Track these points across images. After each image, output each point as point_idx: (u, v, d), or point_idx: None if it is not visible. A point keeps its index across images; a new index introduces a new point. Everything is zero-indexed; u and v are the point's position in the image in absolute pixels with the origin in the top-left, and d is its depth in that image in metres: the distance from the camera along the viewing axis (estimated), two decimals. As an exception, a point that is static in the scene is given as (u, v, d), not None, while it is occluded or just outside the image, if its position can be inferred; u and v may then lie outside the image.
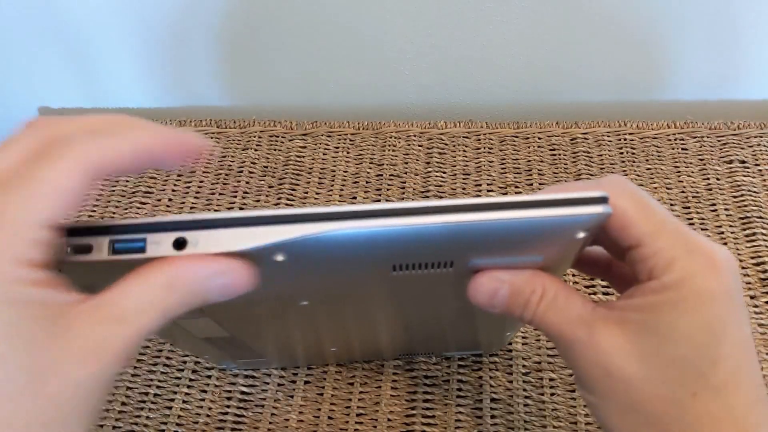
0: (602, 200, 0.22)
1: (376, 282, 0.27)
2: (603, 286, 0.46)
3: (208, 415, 0.42)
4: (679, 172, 0.53)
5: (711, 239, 0.27)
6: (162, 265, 0.21)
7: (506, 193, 0.52)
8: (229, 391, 0.43)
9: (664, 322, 0.23)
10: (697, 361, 0.22)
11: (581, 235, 0.23)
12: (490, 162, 0.54)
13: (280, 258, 0.22)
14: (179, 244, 0.21)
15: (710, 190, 0.51)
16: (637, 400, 0.23)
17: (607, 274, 0.29)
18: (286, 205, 0.53)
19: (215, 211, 0.53)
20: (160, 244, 0.21)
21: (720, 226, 0.49)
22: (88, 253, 0.22)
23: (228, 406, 0.42)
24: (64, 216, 0.20)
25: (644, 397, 0.23)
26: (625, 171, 0.53)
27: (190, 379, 0.43)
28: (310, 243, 0.22)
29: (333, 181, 0.54)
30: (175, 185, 0.54)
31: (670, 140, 0.55)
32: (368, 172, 0.54)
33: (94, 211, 0.53)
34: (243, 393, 0.43)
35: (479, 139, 0.56)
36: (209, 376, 0.44)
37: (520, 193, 0.52)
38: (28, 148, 0.20)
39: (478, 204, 0.22)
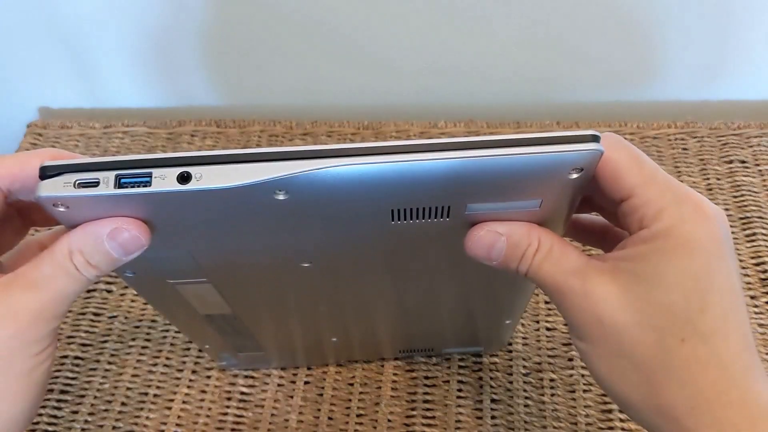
0: (594, 138, 0.22)
1: (376, 235, 0.27)
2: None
3: (208, 416, 0.42)
4: (679, 172, 0.53)
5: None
6: (65, 236, 0.24)
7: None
8: (229, 392, 0.43)
9: (653, 269, 0.23)
10: (685, 308, 0.23)
11: (574, 175, 0.23)
12: (490, 162, 0.54)
13: (281, 197, 0.23)
14: (183, 178, 0.22)
15: (710, 190, 0.51)
16: (626, 346, 0.24)
17: (603, 241, 0.29)
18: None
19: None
20: (165, 178, 0.22)
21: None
22: (95, 187, 0.22)
23: (228, 407, 0.42)
24: None
25: (633, 342, 0.24)
26: (625, 171, 0.53)
27: (190, 380, 0.43)
28: (310, 179, 0.22)
29: (333, 181, 0.54)
30: (175, 185, 0.54)
31: (670, 140, 0.55)
32: (368, 172, 0.54)
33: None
34: (243, 393, 0.43)
35: (479, 139, 0.56)
36: (209, 377, 0.44)
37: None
38: None
39: (474, 141, 0.22)
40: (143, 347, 0.45)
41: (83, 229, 0.23)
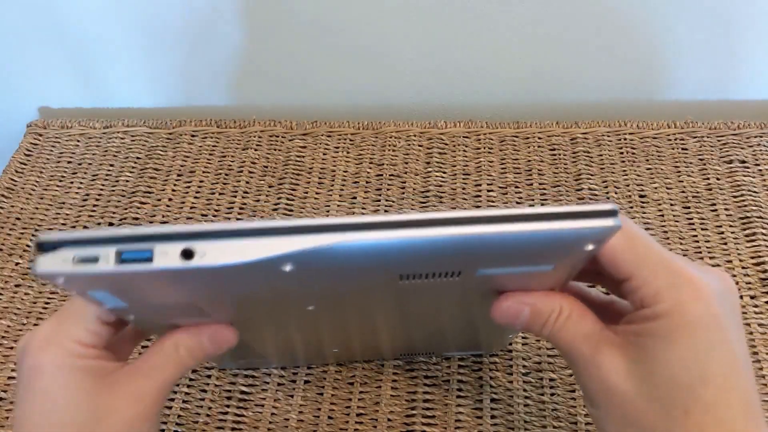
0: (612, 213, 0.22)
1: (383, 289, 0.27)
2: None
3: (208, 415, 0.42)
4: (679, 172, 0.53)
5: (715, 256, 0.29)
6: (171, 335, 0.29)
7: (506, 193, 0.52)
8: (229, 391, 0.43)
9: (657, 346, 0.25)
10: (688, 381, 0.24)
11: (590, 247, 0.23)
12: (490, 162, 0.54)
13: (287, 268, 0.23)
14: (187, 254, 0.22)
15: (710, 190, 0.51)
16: (633, 416, 0.25)
17: (605, 313, 0.30)
18: (286, 204, 0.52)
19: (215, 211, 0.53)
20: (167, 254, 0.22)
21: (720, 226, 0.49)
22: (94, 263, 0.22)
23: (228, 406, 0.42)
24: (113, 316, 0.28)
25: (640, 412, 0.25)
26: (625, 171, 0.53)
27: (190, 379, 0.43)
28: (317, 254, 0.22)
29: (333, 181, 0.54)
30: (175, 185, 0.54)
31: (670, 140, 0.55)
32: (368, 172, 0.54)
33: (94, 210, 0.53)
34: (243, 393, 0.43)
35: (479, 139, 0.56)
36: (209, 376, 0.44)
37: (520, 193, 0.52)
38: None
39: (487, 216, 0.22)
40: (143, 347, 0.45)
41: (188, 330, 0.29)
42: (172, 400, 0.43)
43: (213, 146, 0.57)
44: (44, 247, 0.22)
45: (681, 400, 0.24)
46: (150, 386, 0.28)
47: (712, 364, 0.24)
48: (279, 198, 0.53)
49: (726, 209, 0.50)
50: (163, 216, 0.52)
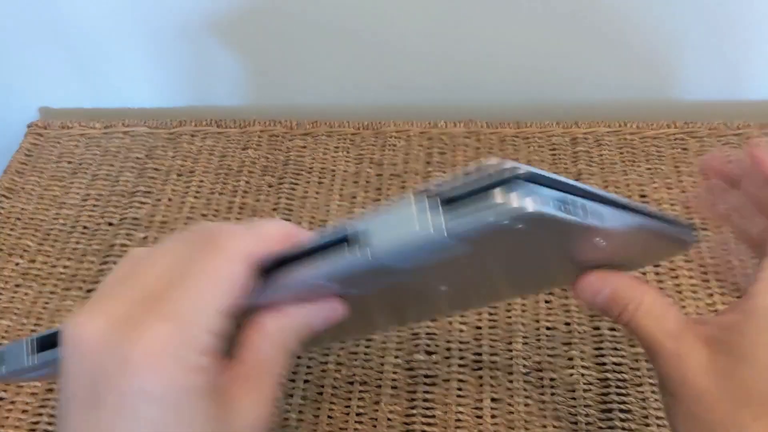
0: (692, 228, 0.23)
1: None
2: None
3: (207, 415, 0.42)
4: (679, 172, 0.53)
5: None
6: (272, 317, 0.24)
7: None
8: (229, 391, 0.43)
9: (745, 343, 0.24)
10: (765, 388, 0.24)
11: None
12: (490, 162, 0.54)
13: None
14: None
15: (710, 189, 0.51)
16: (703, 412, 0.25)
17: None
18: (286, 204, 0.52)
19: (215, 211, 0.53)
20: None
21: (720, 226, 0.49)
22: (576, 215, 0.21)
23: (228, 406, 0.42)
24: (235, 302, 0.22)
25: (709, 408, 0.25)
26: (625, 171, 0.53)
27: (190, 379, 0.43)
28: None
29: (333, 180, 0.54)
30: (175, 185, 0.54)
31: (670, 140, 0.55)
32: (368, 172, 0.54)
33: (94, 210, 0.53)
34: (243, 392, 0.43)
35: (479, 139, 0.56)
36: (209, 376, 0.43)
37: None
38: (185, 247, 0.23)
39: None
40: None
41: (294, 312, 0.24)
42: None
43: (213, 146, 0.57)
44: (534, 180, 0.19)
45: (753, 405, 0.24)
46: (270, 383, 0.24)
47: None
48: (279, 198, 0.53)
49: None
50: (163, 216, 0.52)
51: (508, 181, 0.19)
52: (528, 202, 0.18)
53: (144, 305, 0.21)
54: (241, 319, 0.23)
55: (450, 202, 0.19)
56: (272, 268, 0.23)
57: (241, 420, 0.23)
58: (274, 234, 0.23)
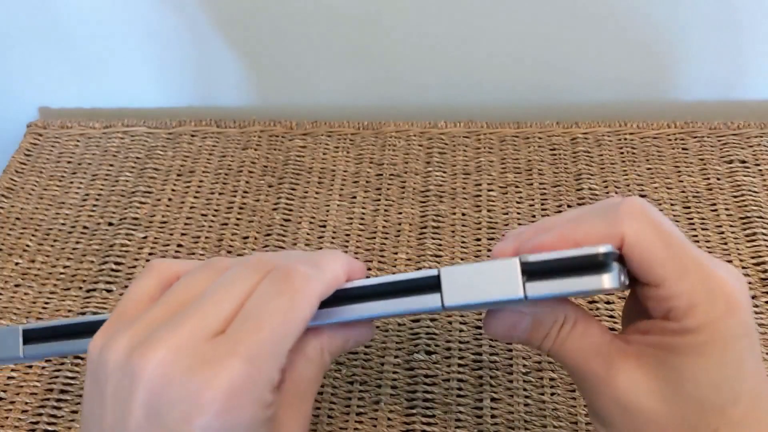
0: (603, 266, 0.22)
1: None
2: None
3: (207, 415, 0.42)
4: (679, 172, 0.53)
5: (715, 256, 0.27)
6: (313, 337, 0.25)
7: (506, 193, 0.52)
8: (229, 391, 0.43)
9: (684, 363, 0.23)
10: (718, 400, 0.23)
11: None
12: (490, 162, 0.54)
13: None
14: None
15: (710, 190, 0.51)
16: None
17: None
18: (286, 204, 0.52)
19: (215, 211, 0.53)
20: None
21: (720, 226, 0.49)
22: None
23: (227, 406, 0.42)
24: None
25: None
26: (625, 171, 0.53)
27: (190, 379, 0.43)
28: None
29: (333, 180, 0.54)
30: (174, 185, 0.54)
31: (670, 140, 0.55)
32: (368, 172, 0.54)
33: (94, 210, 0.53)
34: (242, 392, 0.43)
35: (479, 139, 0.56)
36: (209, 376, 0.43)
37: (520, 192, 0.52)
38: (254, 281, 0.23)
39: None
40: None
41: (333, 333, 0.25)
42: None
43: (213, 146, 0.57)
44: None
45: (709, 420, 0.22)
46: (309, 406, 0.25)
47: (743, 382, 0.23)
48: (279, 198, 0.53)
49: (726, 209, 0.50)
50: (163, 216, 0.52)
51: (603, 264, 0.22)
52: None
53: (215, 341, 0.21)
54: None
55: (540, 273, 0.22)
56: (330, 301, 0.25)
57: None
58: (341, 275, 0.24)
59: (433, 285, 0.23)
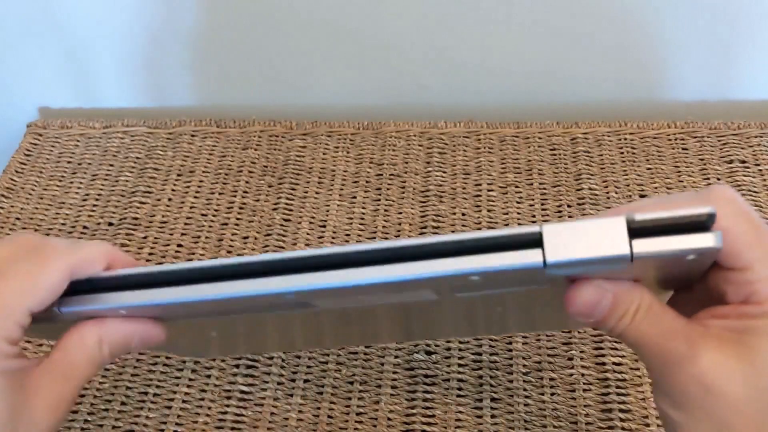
0: (706, 225, 0.22)
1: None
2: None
3: (207, 414, 0.42)
4: (679, 172, 0.53)
5: None
6: (94, 326, 0.26)
7: (506, 193, 0.52)
8: (229, 390, 0.43)
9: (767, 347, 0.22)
10: None
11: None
12: (491, 162, 0.54)
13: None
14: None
15: (710, 189, 0.51)
16: (731, 421, 0.23)
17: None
18: (286, 204, 0.52)
19: (215, 211, 0.53)
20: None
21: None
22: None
23: (228, 405, 0.42)
24: (45, 306, 0.25)
25: (739, 418, 0.23)
26: (625, 171, 0.53)
27: (190, 378, 0.43)
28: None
29: (333, 180, 0.54)
30: (174, 185, 0.54)
31: (670, 140, 0.55)
32: (368, 172, 0.54)
33: (94, 210, 0.53)
34: (242, 392, 0.43)
35: (479, 139, 0.56)
36: (209, 375, 0.43)
37: (520, 192, 0.52)
38: (10, 250, 0.26)
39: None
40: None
41: (115, 325, 0.26)
42: (172, 400, 0.43)
43: (213, 146, 0.57)
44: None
45: None
46: (69, 391, 0.26)
47: None
48: (279, 198, 0.53)
49: (726, 209, 0.50)
50: (163, 216, 0.52)
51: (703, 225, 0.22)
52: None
53: None
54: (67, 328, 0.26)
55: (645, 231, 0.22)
56: (108, 287, 0.26)
57: (31, 413, 0.25)
58: (96, 256, 0.26)
59: (534, 241, 0.22)
